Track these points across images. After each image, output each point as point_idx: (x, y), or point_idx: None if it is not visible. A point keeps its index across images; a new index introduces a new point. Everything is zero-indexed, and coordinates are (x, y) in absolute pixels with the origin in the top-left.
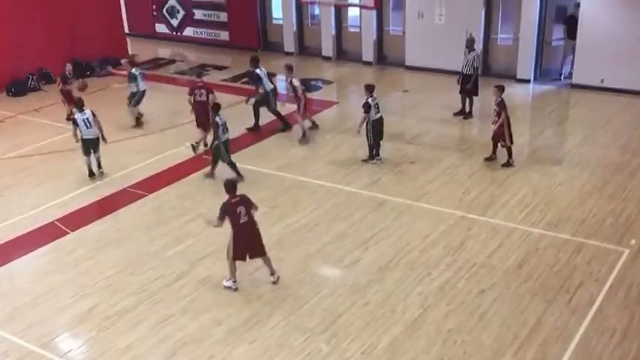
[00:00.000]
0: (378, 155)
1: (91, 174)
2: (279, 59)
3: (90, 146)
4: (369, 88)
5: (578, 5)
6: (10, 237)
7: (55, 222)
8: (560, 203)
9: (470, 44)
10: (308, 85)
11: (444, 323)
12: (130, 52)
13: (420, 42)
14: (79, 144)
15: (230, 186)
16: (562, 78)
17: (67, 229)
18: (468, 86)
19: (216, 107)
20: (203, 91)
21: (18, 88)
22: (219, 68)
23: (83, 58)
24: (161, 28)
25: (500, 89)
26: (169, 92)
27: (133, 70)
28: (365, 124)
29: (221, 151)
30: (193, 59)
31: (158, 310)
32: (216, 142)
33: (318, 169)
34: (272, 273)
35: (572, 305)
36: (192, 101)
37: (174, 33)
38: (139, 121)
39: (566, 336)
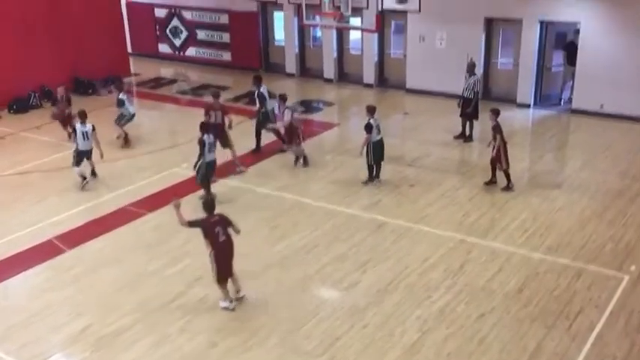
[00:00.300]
0: (378, 177)
1: (84, 179)
2: (280, 80)
3: (84, 157)
4: (371, 110)
5: (577, 32)
6: (8, 254)
7: (53, 240)
8: (560, 228)
9: (471, 68)
10: (309, 106)
11: (443, 347)
12: (133, 71)
13: (421, 65)
14: (73, 155)
15: (208, 205)
16: (562, 103)
17: (64, 247)
18: (469, 110)
19: (204, 126)
20: (219, 112)
21: (20, 106)
22: (221, 88)
23: (86, 76)
24: (164, 48)
25: (495, 113)
26: (171, 111)
27: (120, 95)
28: (366, 145)
29: (200, 169)
30: (195, 79)
31: (155, 330)
32: (200, 162)
33: (318, 191)
34: (238, 290)
35: (572, 331)
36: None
37: (177, 53)
38: (127, 140)
39: None
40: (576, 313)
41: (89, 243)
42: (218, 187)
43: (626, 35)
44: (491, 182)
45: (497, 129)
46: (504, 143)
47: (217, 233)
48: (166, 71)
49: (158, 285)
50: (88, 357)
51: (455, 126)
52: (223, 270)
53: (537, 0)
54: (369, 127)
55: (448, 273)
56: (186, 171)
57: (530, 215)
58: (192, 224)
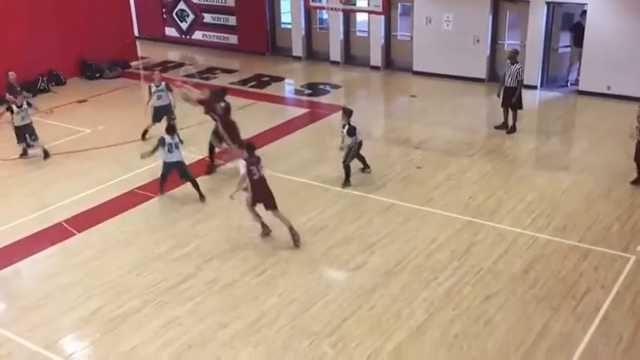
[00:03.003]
0: (349, 182)
1: (24, 152)
2: (287, 63)
3: (24, 133)
4: (348, 112)
5: (584, 13)
6: (17, 238)
7: (62, 223)
8: (567, 209)
9: (513, 56)
10: (316, 89)
11: (449, 329)
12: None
13: (428, 47)
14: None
15: None
16: (568, 85)
17: (74, 230)
18: (512, 100)
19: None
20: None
21: (28, 90)
22: (228, 72)
23: (93, 60)
24: (171, 31)
25: None
26: (177, 94)
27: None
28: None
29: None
30: (202, 63)
31: (163, 313)
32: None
33: (325, 173)
34: None
35: (578, 312)
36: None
37: (184, 36)
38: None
39: (572, 343)
40: (582, 293)
41: (98, 226)
42: (226, 169)
43: (633, 16)
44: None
45: None
46: None
47: None
48: (173, 55)
49: (166, 267)
50: (99, 339)
51: (462, 108)
52: None
53: None
54: (353, 130)
55: (455, 255)
56: (193, 154)
57: (537, 197)
58: None
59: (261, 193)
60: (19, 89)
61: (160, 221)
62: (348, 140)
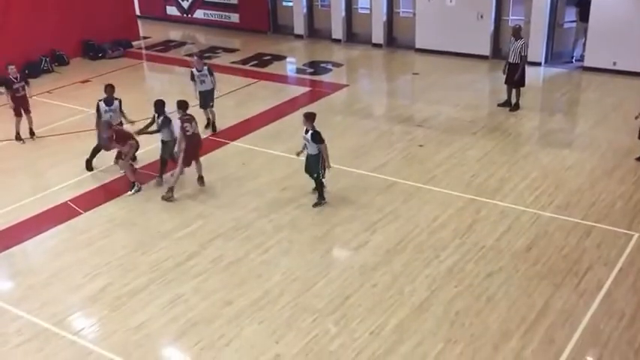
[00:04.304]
0: (324, 198)
1: None
2: (289, 42)
3: None
4: (311, 117)
5: None
6: (24, 217)
7: (69, 202)
8: (570, 187)
9: (516, 32)
10: (318, 67)
11: (451, 305)
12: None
13: (431, 24)
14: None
15: None
16: (573, 61)
17: (80, 210)
18: (515, 76)
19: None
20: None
21: (31, 70)
22: (230, 51)
23: (95, 39)
24: (172, 10)
25: None
26: (180, 74)
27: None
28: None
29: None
30: (203, 41)
31: (169, 290)
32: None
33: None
34: None
35: (580, 289)
36: None
37: (185, 15)
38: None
39: (574, 319)
40: (585, 270)
41: (104, 205)
42: (228, 148)
43: None
44: None
45: None
46: None
47: None
48: (175, 34)
49: (171, 246)
50: (106, 316)
51: (465, 85)
52: None
53: None
54: (318, 136)
55: (457, 232)
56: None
57: (540, 174)
58: None
59: (195, 150)
60: (15, 87)
61: (164, 201)
62: (313, 148)
